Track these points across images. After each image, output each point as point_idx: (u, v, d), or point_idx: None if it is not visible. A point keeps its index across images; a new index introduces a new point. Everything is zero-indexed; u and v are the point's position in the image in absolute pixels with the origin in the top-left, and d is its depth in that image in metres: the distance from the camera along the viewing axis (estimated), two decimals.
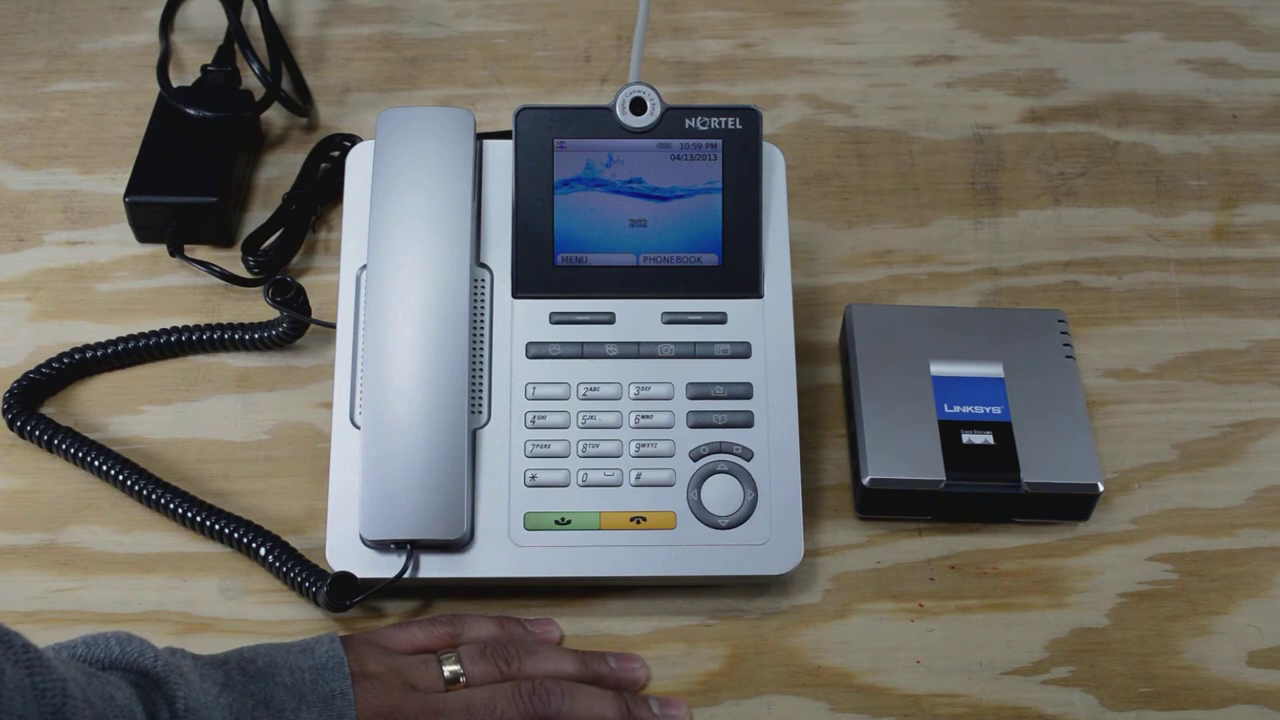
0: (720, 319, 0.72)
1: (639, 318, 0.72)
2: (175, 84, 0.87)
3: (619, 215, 0.72)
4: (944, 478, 0.70)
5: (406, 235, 0.70)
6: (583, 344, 0.71)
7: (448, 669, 0.64)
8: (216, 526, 0.70)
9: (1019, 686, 0.67)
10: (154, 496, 0.71)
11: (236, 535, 0.70)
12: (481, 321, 0.71)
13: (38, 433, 0.73)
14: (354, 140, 0.85)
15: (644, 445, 0.69)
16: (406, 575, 0.67)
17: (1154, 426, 0.77)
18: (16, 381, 0.75)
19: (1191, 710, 0.66)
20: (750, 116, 0.73)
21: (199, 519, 0.70)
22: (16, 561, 0.70)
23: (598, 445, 0.69)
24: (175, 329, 0.77)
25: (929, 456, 0.70)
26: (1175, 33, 0.96)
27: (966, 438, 0.71)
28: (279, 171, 0.87)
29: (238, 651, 0.62)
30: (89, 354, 0.76)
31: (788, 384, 0.71)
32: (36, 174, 0.87)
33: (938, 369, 0.73)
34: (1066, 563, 0.71)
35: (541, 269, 0.72)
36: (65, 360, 0.76)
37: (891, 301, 0.81)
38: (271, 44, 0.90)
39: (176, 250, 0.81)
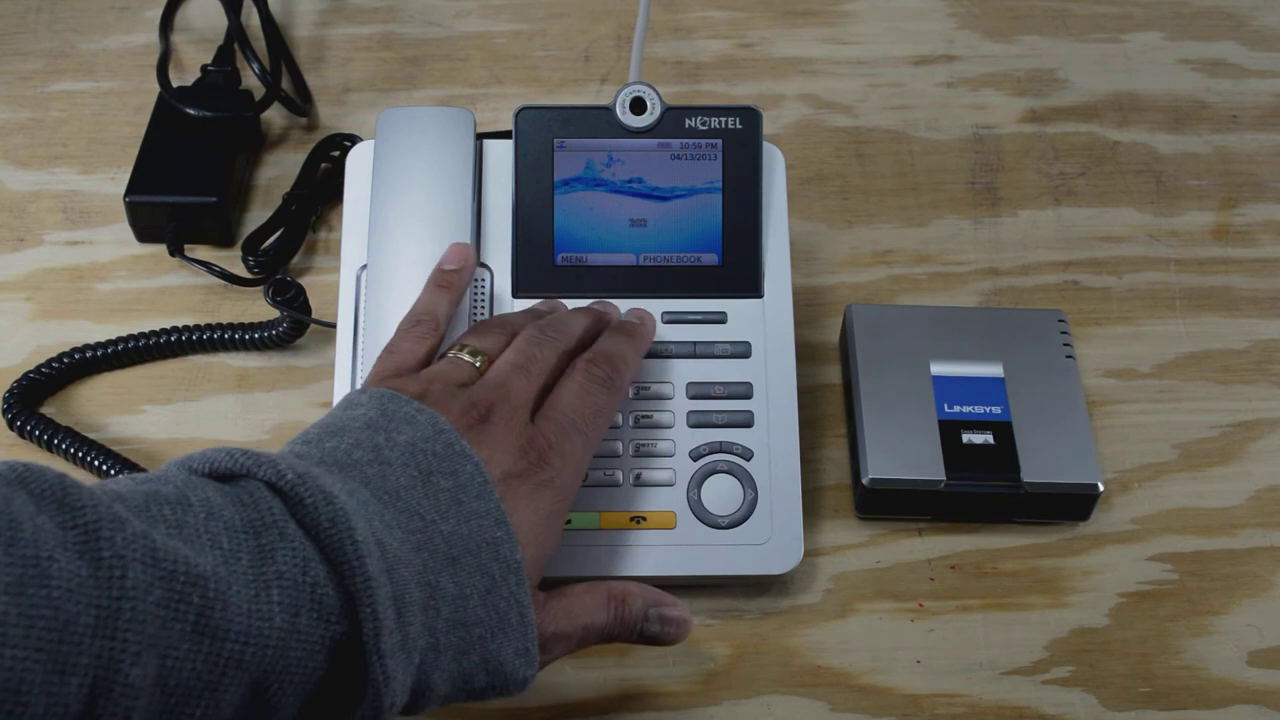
0: (720, 319, 0.71)
1: None
2: (175, 84, 0.87)
3: (619, 215, 0.72)
4: (944, 478, 0.70)
5: (406, 235, 0.69)
6: None
7: (464, 356, 0.61)
8: None
9: (1019, 686, 0.67)
10: None
11: None
12: None
13: (38, 433, 0.73)
14: (354, 140, 0.85)
15: (644, 445, 0.69)
16: None
17: (1154, 426, 0.77)
18: (16, 381, 0.75)
19: (1191, 710, 0.66)
20: (750, 116, 0.73)
21: None
22: None
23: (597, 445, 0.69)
24: (175, 329, 0.77)
25: (929, 456, 0.70)
26: (1175, 33, 0.96)
27: (966, 438, 0.71)
28: (279, 171, 0.87)
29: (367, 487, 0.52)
30: (89, 354, 0.76)
31: (788, 384, 0.71)
32: (36, 174, 0.87)
33: (938, 369, 0.73)
34: (1066, 563, 0.71)
35: (541, 269, 0.72)
36: (65, 360, 0.76)
37: (891, 301, 0.81)
38: (271, 44, 0.90)
39: (176, 250, 0.81)
